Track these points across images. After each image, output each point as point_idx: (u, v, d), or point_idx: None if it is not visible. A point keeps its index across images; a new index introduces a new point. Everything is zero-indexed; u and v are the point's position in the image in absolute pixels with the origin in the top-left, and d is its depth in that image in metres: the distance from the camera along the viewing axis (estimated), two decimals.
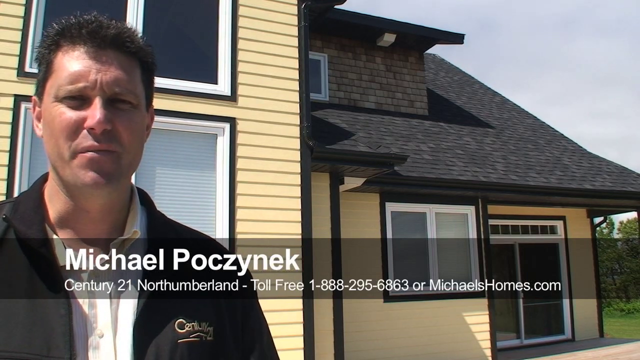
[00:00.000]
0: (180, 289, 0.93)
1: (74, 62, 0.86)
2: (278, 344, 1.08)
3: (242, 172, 5.43)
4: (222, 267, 1.01)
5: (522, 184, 8.55)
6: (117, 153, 0.87)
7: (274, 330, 1.07)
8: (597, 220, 11.29)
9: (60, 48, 0.88)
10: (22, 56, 4.80)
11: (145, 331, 0.86)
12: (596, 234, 11.56)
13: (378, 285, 7.80)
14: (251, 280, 1.06)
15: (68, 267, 0.87)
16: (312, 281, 5.63)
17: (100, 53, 0.87)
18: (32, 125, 4.65)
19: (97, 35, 0.87)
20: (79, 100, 0.86)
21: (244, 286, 1.02)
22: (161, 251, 0.95)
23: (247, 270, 1.07)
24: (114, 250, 0.91)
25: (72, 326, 0.82)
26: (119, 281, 0.90)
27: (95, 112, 0.85)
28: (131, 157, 0.91)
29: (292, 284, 5.48)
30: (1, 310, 0.81)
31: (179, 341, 0.87)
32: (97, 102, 0.85)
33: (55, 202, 0.91)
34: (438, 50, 18.24)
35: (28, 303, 0.82)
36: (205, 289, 0.96)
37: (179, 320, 0.89)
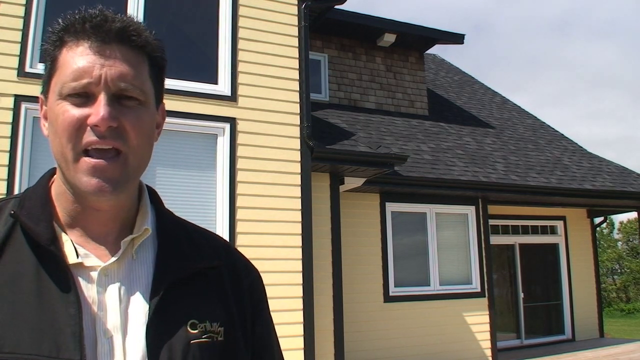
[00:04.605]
0: (191, 289, 0.90)
1: (77, 58, 0.83)
2: None
3: (242, 172, 5.43)
4: (232, 267, 0.99)
5: (523, 184, 8.55)
6: (124, 154, 0.84)
7: None
8: (597, 220, 11.29)
9: (64, 44, 0.85)
10: (22, 56, 4.79)
11: (158, 333, 0.84)
12: (596, 234, 11.56)
13: (378, 285, 7.80)
14: (261, 281, 1.04)
15: (75, 264, 0.84)
16: (312, 281, 5.63)
17: (104, 47, 0.84)
18: (32, 125, 4.67)
19: (101, 30, 0.84)
20: (83, 97, 0.83)
21: (253, 287, 1.01)
22: (171, 250, 0.93)
23: (257, 271, 1.05)
24: (123, 249, 0.88)
25: (82, 326, 0.79)
26: (128, 280, 0.87)
27: (99, 109, 0.81)
28: (139, 158, 0.87)
29: (292, 284, 5.48)
30: (9, 309, 0.78)
31: (191, 342, 0.85)
32: (102, 99, 0.82)
33: (62, 201, 0.89)
34: (435, 51, 18.25)
35: (36, 302, 0.79)
36: (216, 289, 0.93)
37: (191, 321, 0.86)
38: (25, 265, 0.82)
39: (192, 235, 0.99)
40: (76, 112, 0.82)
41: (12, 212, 0.85)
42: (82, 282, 0.84)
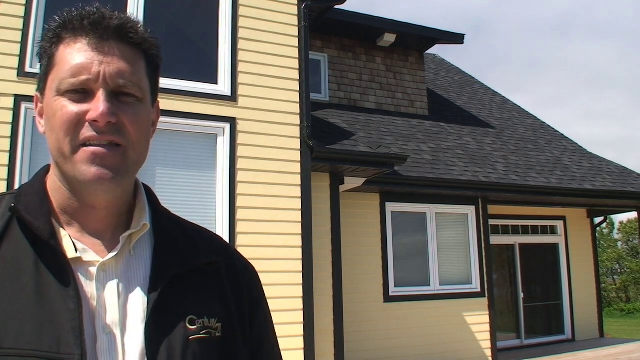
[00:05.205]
0: (189, 286, 0.90)
1: (76, 55, 0.83)
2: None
3: (243, 172, 5.43)
4: (231, 266, 0.99)
5: (523, 184, 8.55)
6: (123, 147, 0.84)
7: None
8: (597, 220, 11.29)
9: (62, 41, 0.85)
10: (22, 56, 4.80)
11: (157, 329, 0.84)
12: (596, 234, 11.56)
13: (378, 285, 7.80)
14: (259, 280, 1.05)
15: (73, 259, 0.84)
16: (312, 281, 5.63)
17: (102, 44, 0.84)
18: (32, 125, 4.67)
19: (100, 26, 0.84)
20: (81, 93, 0.83)
21: (252, 285, 1.01)
22: (168, 246, 0.93)
23: (255, 270, 1.05)
24: (122, 243, 0.88)
25: (82, 322, 0.79)
26: (126, 276, 0.87)
27: (98, 105, 0.82)
28: (138, 153, 0.87)
29: (292, 284, 5.48)
30: (9, 304, 0.77)
31: (190, 338, 0.85)
32: (101, 95, 0.82)
33: (58, 197, 0.88)
34: (435, 51, 18.27)
35: (36, 297, 0.78)
36: (214, 285, 0.94)
37: (189, 317, 0.87)
38: (24, 259, 0.81)
39: (189, 233, 0.99)
40: (74, 107, 0.83)
41: (12, 205, 0.85)
42: (81, 277, 0.84)
